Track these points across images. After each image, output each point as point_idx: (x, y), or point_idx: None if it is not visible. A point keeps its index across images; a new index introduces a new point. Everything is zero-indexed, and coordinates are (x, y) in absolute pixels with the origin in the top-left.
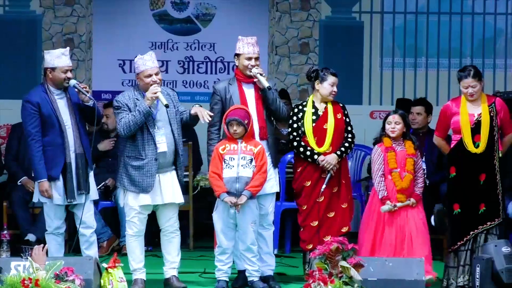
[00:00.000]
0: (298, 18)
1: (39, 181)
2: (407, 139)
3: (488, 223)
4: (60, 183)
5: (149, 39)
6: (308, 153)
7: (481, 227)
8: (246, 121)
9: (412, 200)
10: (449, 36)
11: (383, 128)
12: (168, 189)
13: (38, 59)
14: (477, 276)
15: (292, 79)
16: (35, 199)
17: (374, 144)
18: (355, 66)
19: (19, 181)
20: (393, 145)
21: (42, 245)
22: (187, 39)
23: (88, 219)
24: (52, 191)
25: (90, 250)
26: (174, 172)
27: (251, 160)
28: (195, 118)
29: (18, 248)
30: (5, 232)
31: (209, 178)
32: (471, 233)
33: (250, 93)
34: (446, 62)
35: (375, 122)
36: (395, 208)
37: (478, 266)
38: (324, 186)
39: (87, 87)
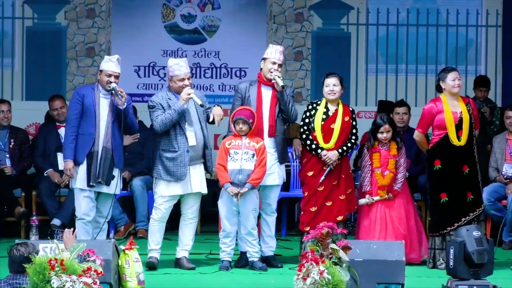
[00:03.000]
0: (292, 29)
1: (65, 160)
2: (393, 141)
3: (477, 209)
4: (84, 168)
5: (161, 47)
6: (313, 146)
7: (472, 214)
8: (250, 120)
9: (390, 195)
10: (426, 45)
11: (373, 134)
12: (197, 180)
13: (63, 65)
14: (451, 257)
15: (287, 83)
16: (71, 185)
17: (367, 148)
18: (343, 71)
19: (45, 172)
20: (379, 146)
21: (72, 229)
22: (194, 47)
23: (106, 211)
24: (77, 174)
25: (100, 235)
26: (202, 166)
27: (253, 155)
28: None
29: (46, 232)
30: (34, 217)
31: (216, 169)
32: (463, 219)
33: (267, 94)
34: (424, 68)
35: (361, 121)
36: (372, 201)
37: (452, 249)
38: (323, 177)
39: (124, 93)
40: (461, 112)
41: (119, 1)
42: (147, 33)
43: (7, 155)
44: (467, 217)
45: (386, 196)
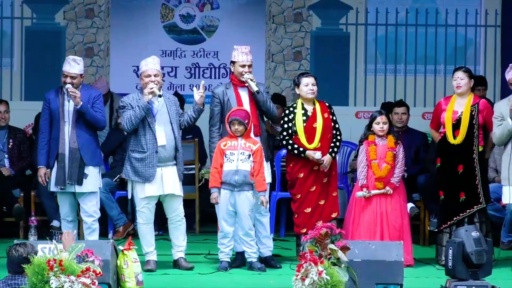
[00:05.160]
0: (291, 29)
1: (38, 167)
2: (388, 134)
3: (468, 210)
4: (54, 170)
5: (160, 47)
6: (295, 151)
7: (462, 214)
8: (246, 121)
9: (388, 188)
10: (425, 45)
11: (369, 127)
12: (169, 182)
13: (61, 65)
14: (450, 258)
15: (286, 83)
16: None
17: (361, 142)
18: (342, 71)
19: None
20: (376, 140)
21: (71, 230)
22: (193, 47)
23: (89, 209)
24: (51, 178)
25: (91, 236)
26: (175, 167)
27: (249, 155)
28: (198, 110)
29: (45, 233)
30: (33, 218)
31: (210, 170)
32: (454, 218)
33: (244, 95)
34: (423, 68)
35: (360, 121)
36: (370, 194)
37: (450, 249)
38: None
39: (76, 93)
40: (462, 112)
41: (118, 1)
42: (146, 33)
43: (6, 155)
44: (458, 217)
45: (384, 190)
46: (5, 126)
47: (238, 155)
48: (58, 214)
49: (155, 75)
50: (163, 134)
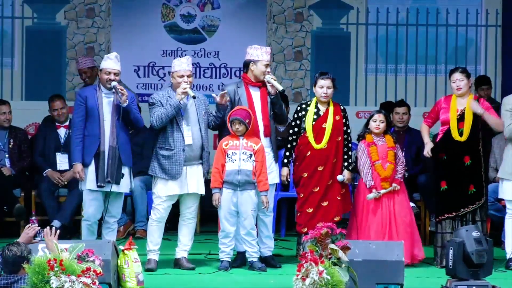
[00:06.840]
0: (292, 29)
1: (73, 163)
2: (386, 134)
3: (477, 202)
4: (92, 168)
5: (161, 47)
6: (285, 159)
7: (471, 206)
8: (247, 120)
9: (394, 185)
10: (426, 45)
11: (367, 125)
12: (193, 180)
13: (62, 65)
14: (450, 258)
15: (287, 83)
16: (80, 187)
17: (358, 139)
18: (343, 71)
19: (44, 172)
20: (374, 140)
21: (53, 228)
22: (194, 47)
23: (115, 210)
24: (86, 176)
25: (110, 235)
26: (200, 167)
27: (251, 155)
28: (220, 107)
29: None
30: (34, 218)
31: (212, 170)
32: (461, 210)
33: (256, 95)
34: (423, 68)
35: (361, 121)
36: (380, 194)
37: (451, 249)
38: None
39: (124, 91)
40: (464, 108)
41: (118, 0)
42: (146, 33)
43: (6, 155)
44: (466, 209)
45: (390, 187)
46: (7, 126)
47: (240, 155)
48: (58, 214)
49: (188, 76)
50: (190, 133)
